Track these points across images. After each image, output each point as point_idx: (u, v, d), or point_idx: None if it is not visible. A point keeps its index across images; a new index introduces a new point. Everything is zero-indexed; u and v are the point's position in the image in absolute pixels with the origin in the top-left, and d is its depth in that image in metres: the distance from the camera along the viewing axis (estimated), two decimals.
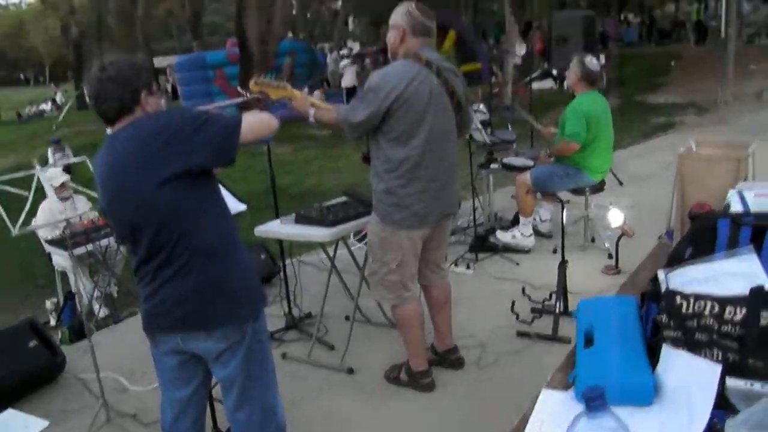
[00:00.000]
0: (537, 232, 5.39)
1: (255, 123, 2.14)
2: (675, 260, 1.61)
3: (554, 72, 5.51)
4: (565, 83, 4.98)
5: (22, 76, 67.03)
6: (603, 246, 4.93)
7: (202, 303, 2.10)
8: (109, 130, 2.15)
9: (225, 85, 18.17)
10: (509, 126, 5.85)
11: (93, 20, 35.91)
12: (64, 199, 6.12)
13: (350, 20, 41.64)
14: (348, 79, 17.81)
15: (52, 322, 5.92)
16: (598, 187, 5.00)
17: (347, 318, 3.98)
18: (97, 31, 37.07)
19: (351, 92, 18.02)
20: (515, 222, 5.50)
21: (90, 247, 5.41)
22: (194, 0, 26.25)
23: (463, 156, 5.34)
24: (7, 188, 2.99)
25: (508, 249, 5.13)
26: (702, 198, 2.24)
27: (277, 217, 3.76)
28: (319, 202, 3.64)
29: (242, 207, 3.16)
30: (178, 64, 20.61)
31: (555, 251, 4.90)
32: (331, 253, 3.83)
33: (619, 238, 4.56)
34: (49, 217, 6.01)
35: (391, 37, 2.97)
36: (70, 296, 5.94)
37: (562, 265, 3.74)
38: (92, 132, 17.60)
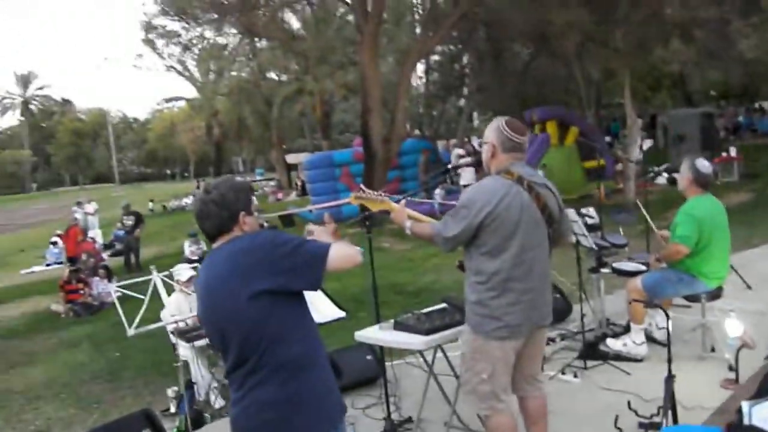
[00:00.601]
0: (652, 340, 5.17)
1: (341, 257, 2.29)
2: (765, 390, 1.54)
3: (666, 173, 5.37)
4: (678, 186, 4.88)
5: (168, 171, 73.29)
6: (723, 356, 4.64)
7: (280, 414, 2.22)
8: (213, 245, 2.40)
9: (350, 182, 18.94)
10: (621, 230, 5.74)
11: (234, 121, 39.12)
12: (190, 294, 6.58)
13: (474, 116, 42.51)
14: (466, 177, 18.12)
15: (172, 410, 6.23)
16: (715, 294, 4.76)
17: (446, 424, 3.96)
18: (237, 131, 40.30)
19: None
20: (628, 329, 5.31)
21: (207, 341, 5.75)
22: (324, 101, 27.91)
23: (571, 260, 5.30)
24: (128, 292, 3.31)
25: (619, 357, 4.94)
26: None
27: (377, 321, 3.88)
28: (426, 303, 3.74)
29: (341, 314, 3.32)
30: (307, 162, 21.86)
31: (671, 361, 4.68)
32: (430, 358, 3.88)
33: (739, 349, 4.29)
34: (176, 309, 6.48)
35: (484, 152, 3.12)
36: (189, 385, 6.27)
37: (669, 380, 3.57)
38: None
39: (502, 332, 2.96)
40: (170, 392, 6.38)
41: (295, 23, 26.71)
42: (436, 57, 28.07)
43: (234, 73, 33.08)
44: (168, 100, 43.19)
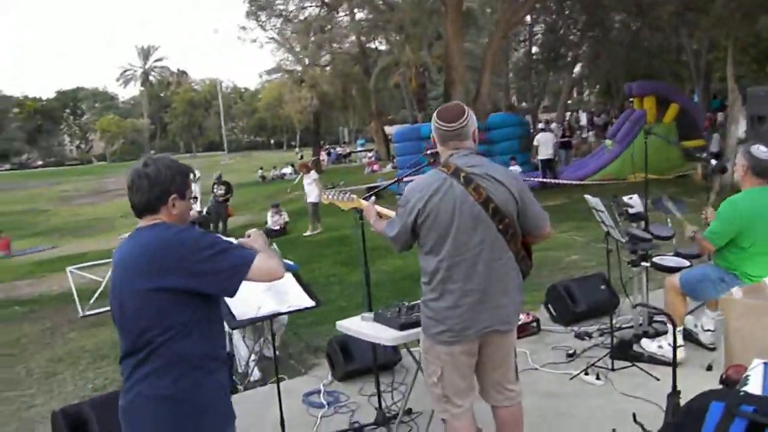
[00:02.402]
0: (697, 342, 4.74)
1: (263, 270, 2.21)
2: None
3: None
4: (735, 176, 4.36)
5: (271, 141, 75.50)
6: None
7: (169, 410, 2.17)
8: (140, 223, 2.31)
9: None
10: (668, 220, 5.24)
11: (338, 91, 39.61)
12: None
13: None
14: (543, 151, 17.51)
15: None
16: None
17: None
18: (342, 101, 40.79)
19: (545, 164, 17.66)
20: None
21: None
22: (420, 73, 27.62)
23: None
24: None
25: (653, 360, 4.55)
26: (750, 356, 1.82)
27: (370, 309, 3.74)
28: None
29: (310, 303, 3.21)
30: (396, 134, 21.79)
31: (710, 368, 4.26)
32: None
33: None
34: None
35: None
36: (229, 356, 6.42)
37: (673, 396, 3.21)
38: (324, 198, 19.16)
39: (445, 336, 2.75)
40: None
41: None
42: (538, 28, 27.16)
43: (335, 45, 33.38)
44: (269, 72, 44.05)
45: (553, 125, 23.38)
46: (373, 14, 27.55)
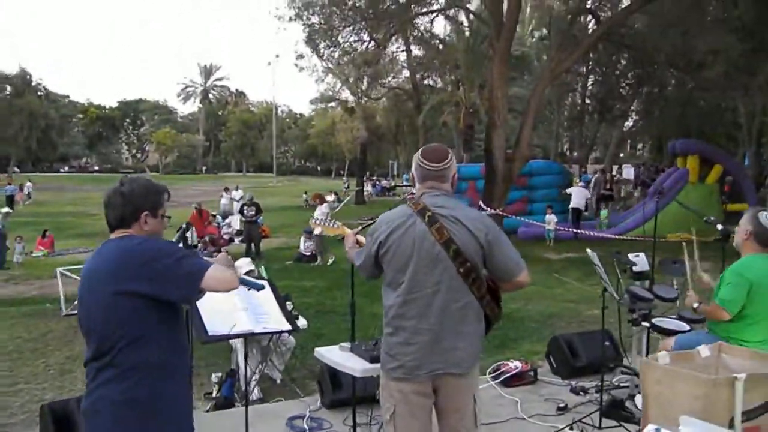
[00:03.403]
0: None
1: (217, 279, 2.33)
2: None
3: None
4: (734, 240, 4.30)
5: (319, 168, 76.52)
6: None
7: (130, 414, 2.28)
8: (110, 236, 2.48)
9: (475, 197, 18.65)
10: (674, 281, 5.18)
11: (389, 125, 40.07)
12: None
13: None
14: (574, 200, 17.36)
15: (214, 393, 6.51)
16: None
17: None
18: (394, 135, 41.23)
19: (576, 213, 17.50)
20: None
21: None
22: (469, 113, 27.77)
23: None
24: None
25: None
26: (666, 422, 1.83)
27: (353, 339, 3.81)
28: None
29: (286, 327, 3.30)
30: None
31: None
32: None
33: None
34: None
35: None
36: (231, 373, 6.53)
37: None
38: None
39: (398, 373, 2.78)
40: (214, 377, 6.68)
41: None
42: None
43: (389, 79, 33.84)
44: (322, 100, 44.86)
45: (594, 176, 23.15)
46: (427, 52, 27.93)
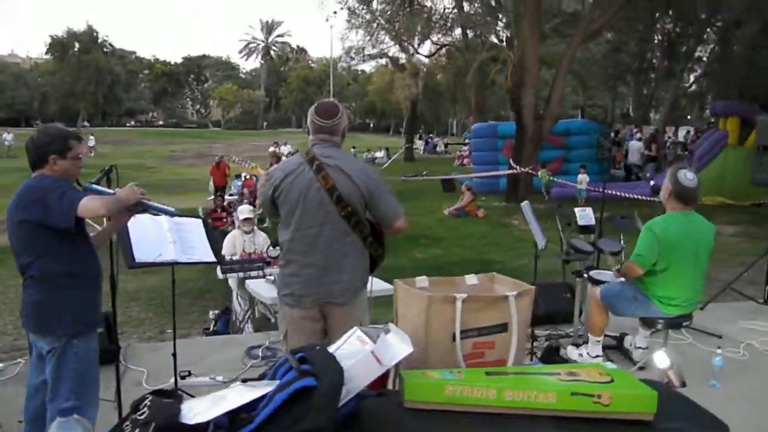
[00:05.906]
0: (629, 358, 4.91)
1: (87, 207, 2.80)
2: None
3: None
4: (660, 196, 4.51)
5: (372, 124, 76.64)
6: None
7: (33, 313, 2.95)
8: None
9: (510, 155, 18.64)
10: (621, 236, 5.35)
11: (451, 83, 39.81)
12: (246, 233, 7.35)
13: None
14: (630, 157, 17.24)
15: (211, 328, 7.11)
16: (675, 323, 4.40)
17: None
18: (452, 93, 40.98)
19: (629, 169, 17.30)
20: (620, 340, 5.11)
21: (242, 274, 6.46)
22: (515, 73, 27.36)
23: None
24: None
25: None
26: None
27: None
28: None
29: (212, 259, 3.76)
30: (474, 130, 21.91)
31: None
32: None
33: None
34: (230, 244, 7.29)
35: None
36: (226, 311, 7.12)
37: None
38: (402, 183, 19.80)
39: (288, 299, 3.21)
40: (211, 314, 7.28)
41: None
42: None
43: (440, 36, 33.55)
44: (373, 57, 44.73)
45: (636, 138, 22.68)
46: (482, 9, 27.64)
